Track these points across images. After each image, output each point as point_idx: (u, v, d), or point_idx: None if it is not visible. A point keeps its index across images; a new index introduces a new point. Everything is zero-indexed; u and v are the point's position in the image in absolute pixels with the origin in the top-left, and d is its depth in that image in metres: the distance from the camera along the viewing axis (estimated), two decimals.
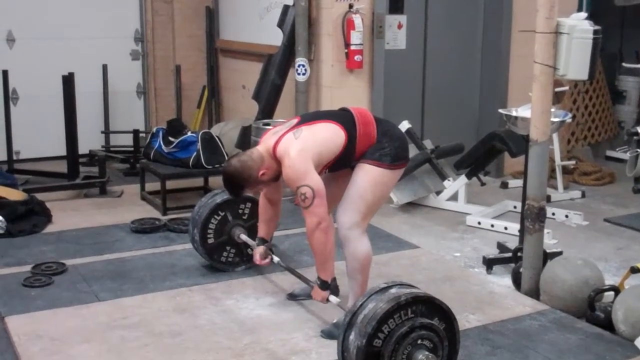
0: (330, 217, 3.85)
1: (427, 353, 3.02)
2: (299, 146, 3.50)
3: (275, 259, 4.09)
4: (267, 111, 6.30)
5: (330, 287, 3.69)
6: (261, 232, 4.07)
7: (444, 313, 3.13)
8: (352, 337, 3.02)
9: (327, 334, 3.69)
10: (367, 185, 3.61)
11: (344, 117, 3.68)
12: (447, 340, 3.11)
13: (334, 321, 3.73)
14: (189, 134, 6.00)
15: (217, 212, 4.46)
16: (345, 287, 3.82)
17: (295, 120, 3.70)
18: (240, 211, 4.53)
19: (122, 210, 5.85)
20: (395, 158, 3.65)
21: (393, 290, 3.10)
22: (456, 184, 6.00)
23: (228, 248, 4.53)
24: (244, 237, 4.46)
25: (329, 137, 3.59)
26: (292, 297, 4.14)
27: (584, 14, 4.17)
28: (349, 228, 3.62)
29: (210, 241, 4.48)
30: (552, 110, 4.29)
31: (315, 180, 3.46)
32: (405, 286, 3.18)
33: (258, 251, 4.05)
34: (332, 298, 3.65)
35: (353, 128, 3.63)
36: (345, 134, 3.60)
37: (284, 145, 3.53)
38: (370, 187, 3.61)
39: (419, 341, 3.02)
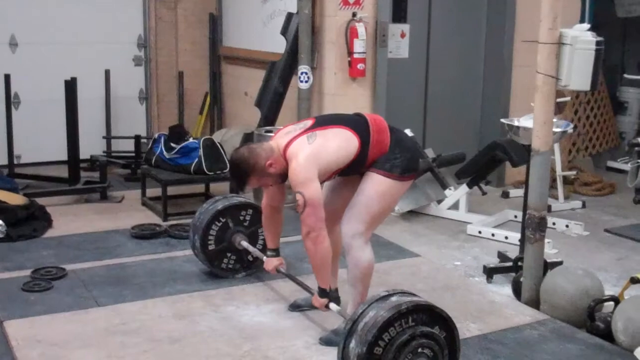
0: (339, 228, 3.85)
1: None
2: (309, 152, 3.48)
3: (282, 269, 4.11)
4: (269, 118, 6.31)
5: (330, 295, 3.69)
6: (271, 243, 4.07)
7: (445, 322, 3.13)
8: (352, 344, 3.01)
9: (326, 341, 3.68)
10: (374, 196, 3.59)
11: (358, 124, 3.64)
12: (447, 348, 3.11)
13: (334, 328, 3.73)
14: (191, 140, 6.01)
15: (218, 219, 4.46)
16: (347, 295, 3.82)
17: (309, 122, 3.66)
18: (241, 218, 4.53)
19: (122, 215, 5.85)
20: (405, 170, 3.62)
21: (394, 299, 3.10)
22: (457, 193, 6.00)
23: (229, 255, 4.53)
24: (244, 244, 4.46)
25: (342, 145, 3.55)
26: (295, 307, 4.12)
27: (586, 25, 4.18)
28: (352, 237, 3.61)
29: (211, 247, 4.48)
30: (554, 120, 4.29)
31: (312, 190, 3.45)
32: (407, 294, 3.18)
33: (273, 262, 4.06)
34: (332, 306, 3.65)
35: (367, 135, 3.59)
36: (359, 142, 3.57)
37: (295, 148, 3.52)
38: (377, 197, 3.59)
39: (420, 349, 3.02)
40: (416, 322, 3.05)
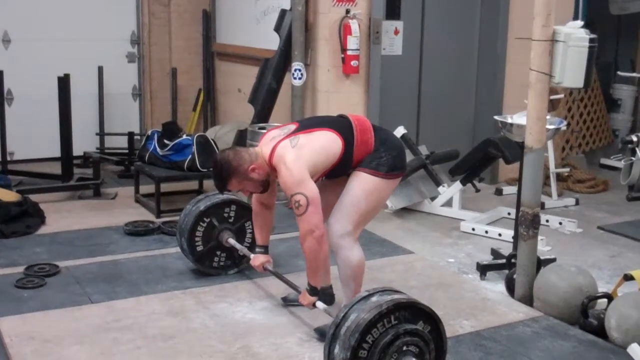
0: (325, 225, 3.85)
1: (413, 359, 3.00)
2: (295, 154, 3.49)
3: (269, 266, 4.09)
4: (262, 115, 6.30)
5: (320, 293, 3.68)
6: (260, 239, 4.06)
7: (428, 316, 3.09)
8: (337, 350, 2.97)
9: (320, 333, 3.69)
10: (361, 194, 3.60)
11: (341, 125, 3.66)
12: (433, 342, 3.07)
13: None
14: (184, 137, 6.00)
15: (203, 219, 4.41)
16: (339, 292, 3.82)
17: (293, 127, 3.68)
18: (225, 215, 4.49)
19: (116, 212, 5.84)
20: (391, 168, 3.64)
21: (374, 299, 3.05)
22: (451, 190, 6.00)
23: (218, 253, 4.50)
24: (232, 241, 4.43)
25: (326, 146, 3.57)
26: (286, 301, 4.12)
27: (580, 22, 4.18)
28: (341, 236, 3.61)
29: (199, 248, 4.45)
30: (547, 117, 4.29)
31: (310, 189, 3.46)
32: (388, 292, 3.14)
33: (260, 259, 4.06)
34: (319, 304, 3.63)
35: (351, 136, 3.61)
36: (343, 143, 3.59)
37: (280, 152, 3.53)
38: (365, 196, 3.60)
39: (405, 348, 2.99)
40: (399, 320, 3.01)
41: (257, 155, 3.62)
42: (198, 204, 4.49)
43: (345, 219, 3.61)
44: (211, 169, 3.64)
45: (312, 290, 3.65)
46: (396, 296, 3.09)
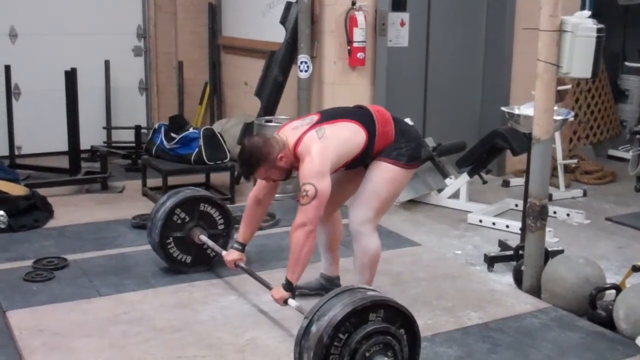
0: (338, 213, 3.86)
1: (385, 358, 2.91)
2: (322, 146, 3.50)
3: (241, 264, 4.06)
4: (269, 108, 6.30)
5: (294, 289, 3.63)
6: (242, 236, 4.02)
7: (374, 306, 2.91)
8: None
9: None
10: (382, 183, 3.64)
11: (363, 116, 3.68)
12: (394, 323, 2.94)
13: None
14: (191, 130, 6.00)
15: (166, 243, 4.35)
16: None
17: (315, 117, 3.68)
18: (179, 222, 4.38)
19: (123, 205, 5.85)
20: (411, 158, 3.68)
21: (314, 329, 2.90)
22: (458, 182, 5.99)
23: (205, 246, 4.45)
24: (203, 238, 4.38)
25: (351, 138, 3.59)
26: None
27: (587, 12, 4.17)
28: (361, 223, 3.65)
29: (189, 260, 4.44)
30: (555, 108, 4.28)
31: (324, 184, 3.46)
32: (323, 308, 2.96)
33: (232, 255, 4.03)
34: (291, 301, 3.59)
35: (373, 127, 3.64)
36: (366, 134, 3.61)
37: (307, 143, 3.53)
38: (385, 184, 3.64)
39: (367, 354, 2.88)
40: (348, 332, 2.86)
41: (284, 143, 3.60)
42: (151, 236, 4.40)
43: (366, 207, 3.65)
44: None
45: (287, 285, 3.60)
46: (332, 312, 2.88)
